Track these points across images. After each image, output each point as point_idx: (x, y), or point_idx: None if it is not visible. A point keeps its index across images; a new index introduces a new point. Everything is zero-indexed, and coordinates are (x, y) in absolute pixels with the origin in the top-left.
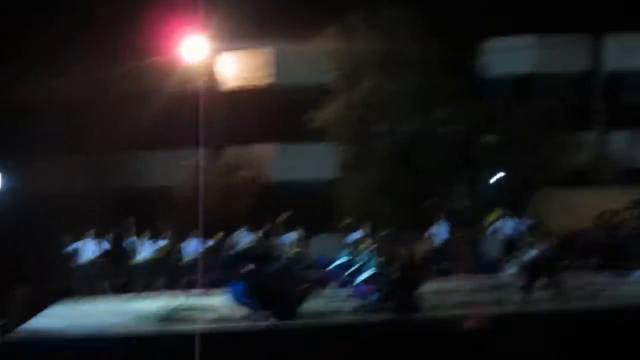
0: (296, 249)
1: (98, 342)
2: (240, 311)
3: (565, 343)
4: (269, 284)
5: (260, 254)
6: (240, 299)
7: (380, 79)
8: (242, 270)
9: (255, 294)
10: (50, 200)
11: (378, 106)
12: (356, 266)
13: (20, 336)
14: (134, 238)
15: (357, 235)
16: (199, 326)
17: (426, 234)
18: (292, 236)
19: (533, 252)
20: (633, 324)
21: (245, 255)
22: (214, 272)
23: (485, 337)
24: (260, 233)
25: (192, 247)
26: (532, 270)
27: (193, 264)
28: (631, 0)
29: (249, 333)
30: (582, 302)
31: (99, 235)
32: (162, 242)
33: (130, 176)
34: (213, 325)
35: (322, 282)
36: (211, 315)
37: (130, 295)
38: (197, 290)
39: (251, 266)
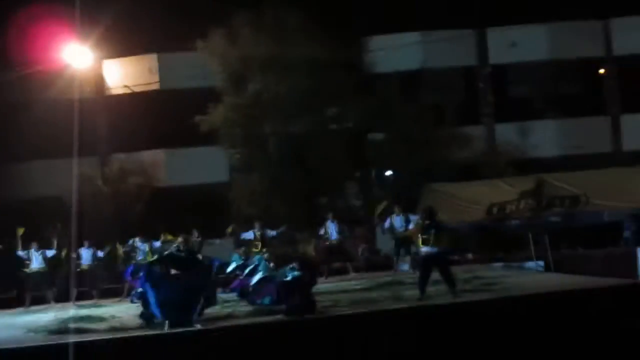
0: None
1: None
2: (134, 320)
3: (459, 336)
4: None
5: (178, 260)
6: (150, 306)
7: (268, 80)
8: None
9: (169, 301)
10: None
11: (266, 107)
12: (249, 268)
13: None
14: (22, 249)
15: (249, 236)
16: (92, 337)
17: (318, 233)
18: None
19: (424, 248)
20: (524, 314)
21: (164, 261)
22: (105, 281)
23: (381, 335)
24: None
25: (83, 257)
26: (425, 266)
27: (84, 274)
28: None
29: (144, 341)
30: (474, 295)
31: None
32: (51, 252)
33: (16, 187)
34: (107, 336)
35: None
36: (104, 325)
37: (21, 308)
38: (89, 301)
39: (173, 272)
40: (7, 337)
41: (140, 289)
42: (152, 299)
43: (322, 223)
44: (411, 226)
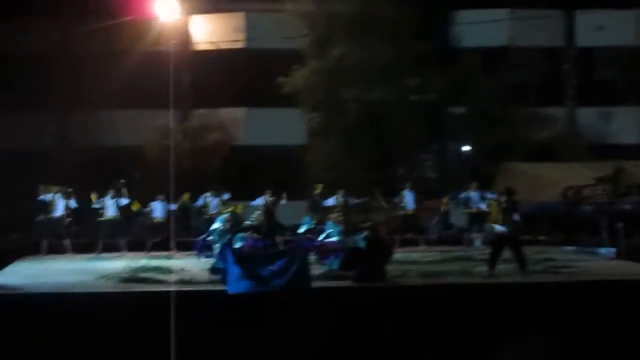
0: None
1: (60, 300)
2: (203, 274)
3: (524, 315)
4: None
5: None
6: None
7: (352, 45)
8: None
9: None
10: (17, 155)
11: (349, 73)
12: (324, 234)
13: None
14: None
15: (331, 203)
16: (161, 288)
17: (392, 203)
18: (258, 201)
19: (498, 226)
20: (592, 299)
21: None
22: (179, 234)
23: (447, 308)
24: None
25: (155, 210)
26: (497, 244)
27: (159, 225)
28: None
29: (210, 296)
30: (544, 276)
31: (65, 193)
32: (125, 201)
33: (99, 134)
34: (175, 287)
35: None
36: (173, 277)
37: (93, 254)
38: (163, 252)
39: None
40: (78, 282)
41: (216, 264)
42: (232, 275)
43: (398, 193)
44: (484, 204)
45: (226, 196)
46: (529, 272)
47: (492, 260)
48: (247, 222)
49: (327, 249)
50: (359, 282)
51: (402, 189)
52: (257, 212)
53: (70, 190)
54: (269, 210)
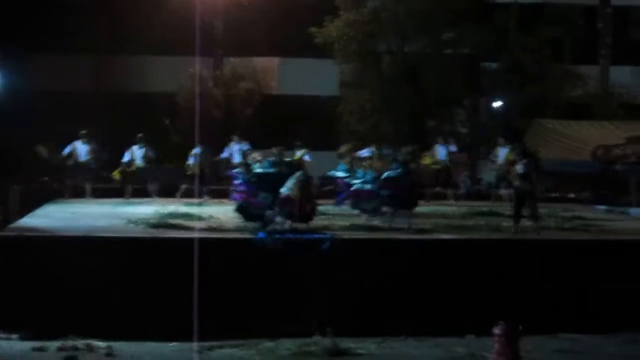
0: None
1: (88, 243)
2: (231, 221)
3: (544, 270)
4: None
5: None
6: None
7: None
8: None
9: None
10: (49, 98)
11: (384, 25)
12: (356, 183)
13: (11, 234)
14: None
15: (366, 154)
16: (188, 234)
17: (424, 156)
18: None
19: (516, 182)
20: (614, 257)
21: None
22: (210, 181)
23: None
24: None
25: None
26: (518, 199)
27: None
28: None
29: (236, 243)
30: (569, 234)
31: (95, 136)
32: (152, 152)
33: (133, 80)
34: (204, 234)
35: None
36: (202, 224)
37: (122, 199)
38: (191, 199)
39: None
40: (108, 226)
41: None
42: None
43: (431, 146)
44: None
45: (246, 147)
46: (541, 228)
47: (516, 216)
48: (283, 191)
49: (360, 196)
50: (391, 206)
51: (434, 142)
52: (292, 182)
53: (83, 132)
54: (302, 185)
